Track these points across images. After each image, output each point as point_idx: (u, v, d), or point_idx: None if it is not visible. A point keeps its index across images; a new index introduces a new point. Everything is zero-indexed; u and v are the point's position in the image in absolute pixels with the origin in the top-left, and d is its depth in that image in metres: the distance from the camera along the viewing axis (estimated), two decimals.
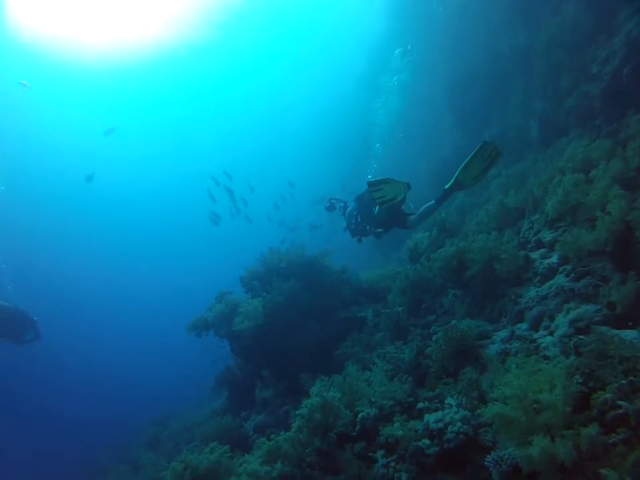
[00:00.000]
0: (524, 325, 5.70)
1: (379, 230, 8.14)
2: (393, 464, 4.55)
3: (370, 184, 7.04)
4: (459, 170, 6.68)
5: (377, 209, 7.85)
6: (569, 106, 10.70)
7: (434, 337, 6.48)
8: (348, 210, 8.93)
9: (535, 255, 6.69)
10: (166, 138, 49.77)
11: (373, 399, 5.57)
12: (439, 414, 4.56)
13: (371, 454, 4.90)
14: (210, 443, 6.41)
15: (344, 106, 31.21)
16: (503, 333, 5.86)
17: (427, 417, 4.70)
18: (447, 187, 6.85)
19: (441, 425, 4.39)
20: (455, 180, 6.74)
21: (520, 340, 5.40)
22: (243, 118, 48.87)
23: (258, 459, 5.35)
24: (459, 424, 4.29)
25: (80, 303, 47.08)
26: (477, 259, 6.92)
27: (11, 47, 28.60)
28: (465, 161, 6.59)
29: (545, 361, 4.17)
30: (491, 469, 3.62)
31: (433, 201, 7.19)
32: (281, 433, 5.63)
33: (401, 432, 4.71)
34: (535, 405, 3.53)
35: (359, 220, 8.61)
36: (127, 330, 46.49)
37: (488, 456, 3.72)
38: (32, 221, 43.75)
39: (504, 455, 3.59)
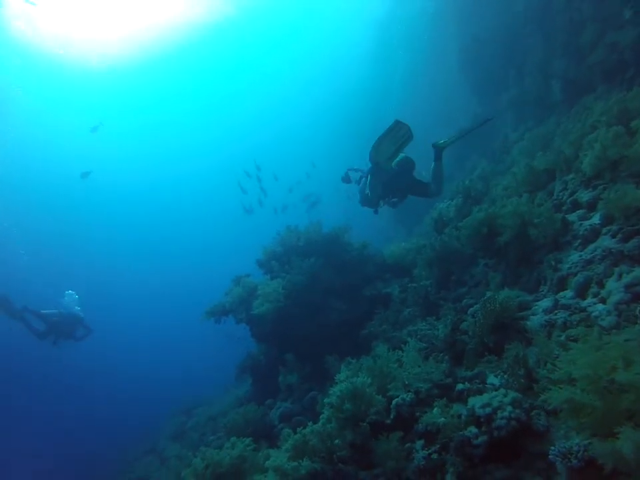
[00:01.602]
0: (569, 293, 5.13)
1: (394, 199, 7.95)
2: (435, 456, 4.08)
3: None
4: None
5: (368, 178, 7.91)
6: (594, 61, 10.10)
7: (470, 310, 5.99)
8: (360, 185, 8.66)
9: (572, 217, 6.12)
10: (178, 134, 49.82)
11: (406, 382, 5.10)
12: (485, 397, 4.03)
13: (409, 444, 4.44)
14: (232, 437, 6.05)
15: (356, 76, 30.73)
16: (545, 303, 5.31)
17: (471, 400, 4.18)
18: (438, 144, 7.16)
19: (488, 410, 3.85)
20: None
21: (566, 310, 4.87)
22: (251, 109, 48.71)
23: (285, 453, 4.92)
24: (509, 408, 3.75)
25: (103, 300, 47.45)
26: (509, 225, 6.37)
27: (3, 47, 28.54)
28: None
29: (606, 333, 3.67)
30: (557, 463, 3.09)
31: (433, 162, 7.27)
32: (309, 424, 5.19)
33: (442, 419, 4.24)
34: (608, 387, 3.00)
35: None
36: (154, 321, 46.95)
37: (552, 448, 3.16)
38: (43, 221, 43.97)
39: (573, 447, 3.03)
